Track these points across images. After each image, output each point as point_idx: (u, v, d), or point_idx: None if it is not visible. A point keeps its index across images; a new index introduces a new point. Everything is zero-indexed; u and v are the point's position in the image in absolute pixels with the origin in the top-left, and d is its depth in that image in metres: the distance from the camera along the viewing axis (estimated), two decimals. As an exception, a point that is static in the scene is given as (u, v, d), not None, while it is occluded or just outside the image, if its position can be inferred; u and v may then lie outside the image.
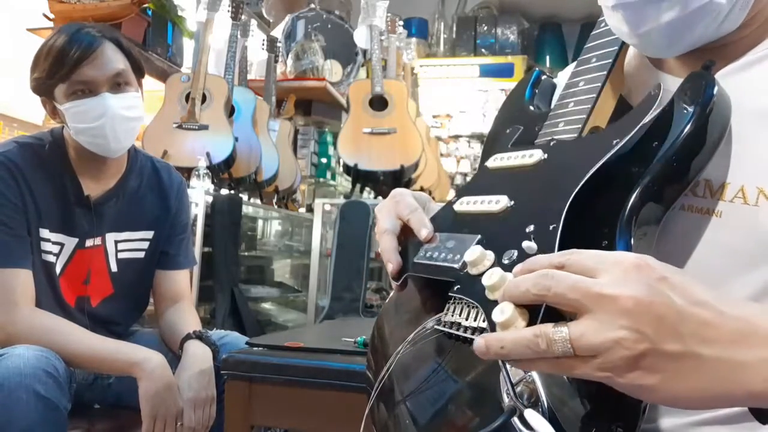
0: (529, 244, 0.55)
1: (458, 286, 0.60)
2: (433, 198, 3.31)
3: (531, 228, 0.57)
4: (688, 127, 0.56)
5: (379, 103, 2.89)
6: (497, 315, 0.50)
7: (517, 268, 0.51)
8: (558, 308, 0.48)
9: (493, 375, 0.52)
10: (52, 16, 2.40)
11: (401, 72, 3.50)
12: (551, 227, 0.55)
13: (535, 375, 0.51)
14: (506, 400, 0.50)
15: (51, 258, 1.30)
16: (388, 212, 0.74)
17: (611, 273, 0.45)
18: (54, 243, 1.31)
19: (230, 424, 1.11)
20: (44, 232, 1.29)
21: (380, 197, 2.94)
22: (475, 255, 0.58)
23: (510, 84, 4.55)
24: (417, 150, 2.81)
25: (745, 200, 0.59)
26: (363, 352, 1.07)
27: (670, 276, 0.45)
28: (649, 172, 0.56)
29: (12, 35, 2.55)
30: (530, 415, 0.48)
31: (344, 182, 3.54)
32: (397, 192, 0.76)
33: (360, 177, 2.79)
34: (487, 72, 4.86)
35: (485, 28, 5.01)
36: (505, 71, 4.78)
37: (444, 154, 4.72)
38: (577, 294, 0.45)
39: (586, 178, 0.56)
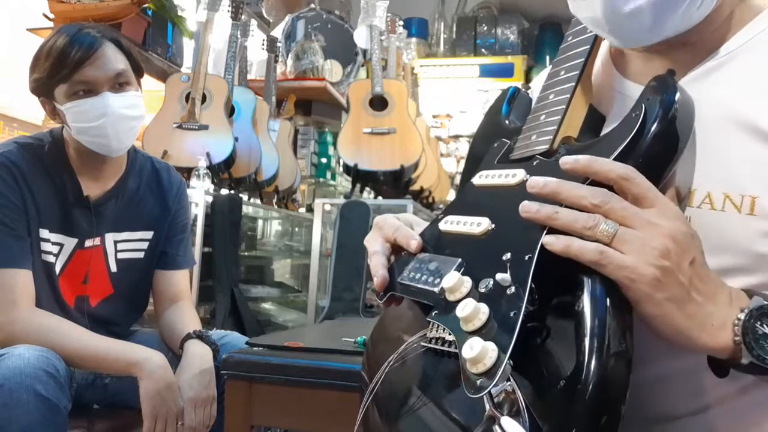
0: (502, 276, 0.55)
1: (436, 311, 0.61)
2: (433, 198, 3.29)
3: (508, 256, 0.57)
4: (653, 128, 0.56)
5: (379, 103, 2.89)
6: (467, 350, 0.51)
7: (576, 164, 0.56)
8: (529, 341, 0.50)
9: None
10: (52, 16, 2.40)
11: (401, 72, 3.50)
12: (527, 257, 0.55)
13: (515, 384, 0.51)
14: (487, 410, 0.51)
15: (50, 258, 1.30)
16: (375, 239, 0.75)
17: (661, 209, 0.54)
18: (53, 243, 1.31)
19: (230, 424, 1.11)
20: (44, 233, 1.29)
21: (380, 197, 2.94)
22: (453, 282, 0.58)
23: (510, 84, 4.56)
24: (417, 150, 2.81)
25: (713, 206, 0.60)
26: (363, 353, 1.08)
27: (697, 236, 0.55)
28: None
29: (12, 35, 2.55)
30: (506, 422, 0.48)
31: (344, 182, 3.54)
32: (379, 218, 0.77)
33: (360, 177, 2.79)
34: (487, 72, 4.87)
35: (485, 28, 5.02)
36: (505, 71, 4.78)
37: (444, 154, 4.73)
38: (627, 214, 0.53)
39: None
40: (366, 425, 0.68)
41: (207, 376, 1.24)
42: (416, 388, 0.62)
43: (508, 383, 0.51)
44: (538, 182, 0.56)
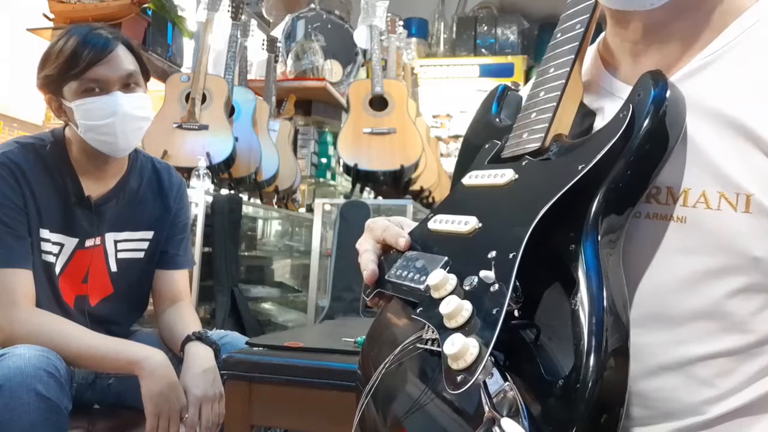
0: (486, 273, 0.55)
1: (420, 308, 0.61)
2: (433, 198, 3.29)
3: (493, 254, 0.57)
4: (643, 124, 0.56)
5: (379, 103, 2.90)
6: (448, 347, 0.51)
7: None
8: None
9: (474, 388, 0.53)
10: (52, 16, 2.40)
11: (401, 72, 3.51)
12: (511, 255, 0.55)
13: (513, 384, 0.51)
14: (486, 411, 0.51)
15: (51, 258, 1.31)
16: (365, 239, 0.77)
17: None
18: (54, 243, 1.31)
19: (230, 424, 1.11)
20: (44, 233, 1.29)
21: (380, 197, 2.95)
22: (438, 279, 0.59)
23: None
24: (417, 150, 2.82)
25: (708, 205, 0.60)
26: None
27: None
28: (610, 173, 0.56)
29: (12, 35, 2.55)
30: (506, 423, 0.49)
31: (344, 182, 3.54)
32: (370, 221, 0.79)
33: (360, 177, 2.79)
34: (487, 72, 4.87)
35: (485, 28, 5.02)
36: (505, 71, 4.78)
37: (444, 154, 4.72)
38: None
39: (545, 208, 0.56)
40: (363, 427, 0.68)
41: (211, 374, 1.24)
42: (414, 390, 0.63)
43: (506, 383, 0.51)
44: None
